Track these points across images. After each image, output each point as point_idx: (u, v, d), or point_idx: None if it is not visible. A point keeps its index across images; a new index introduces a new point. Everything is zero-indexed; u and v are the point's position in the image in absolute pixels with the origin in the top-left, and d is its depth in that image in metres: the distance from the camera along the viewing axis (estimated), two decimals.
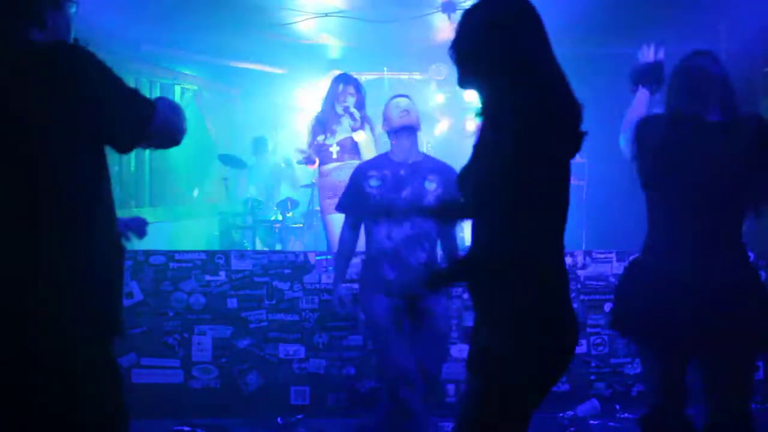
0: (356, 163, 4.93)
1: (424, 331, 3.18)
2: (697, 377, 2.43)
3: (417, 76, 7.81)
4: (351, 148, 4.89)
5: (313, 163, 5.08)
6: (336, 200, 4.91)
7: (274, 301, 3.84)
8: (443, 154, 3.99)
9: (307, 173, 6.74)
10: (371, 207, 3.22)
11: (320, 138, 4.92)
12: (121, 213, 6.04)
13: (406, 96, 3.43)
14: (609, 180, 5.06)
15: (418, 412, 3.04)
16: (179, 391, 3.79)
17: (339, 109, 4.82)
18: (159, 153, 7.21)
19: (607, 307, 3.97)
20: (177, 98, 7.61)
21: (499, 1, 1.85)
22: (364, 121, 4.81)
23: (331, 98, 4.89)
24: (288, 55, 7.09)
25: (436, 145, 7.19)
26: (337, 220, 4.99)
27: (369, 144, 4.85)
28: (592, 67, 5.79)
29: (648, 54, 2.73)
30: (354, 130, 4.78)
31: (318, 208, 5.55)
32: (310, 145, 4.98)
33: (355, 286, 3.82)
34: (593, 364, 3.99)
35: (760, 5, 4.84)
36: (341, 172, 4.94)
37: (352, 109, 4.78)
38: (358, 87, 4.91)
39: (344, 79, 4.93)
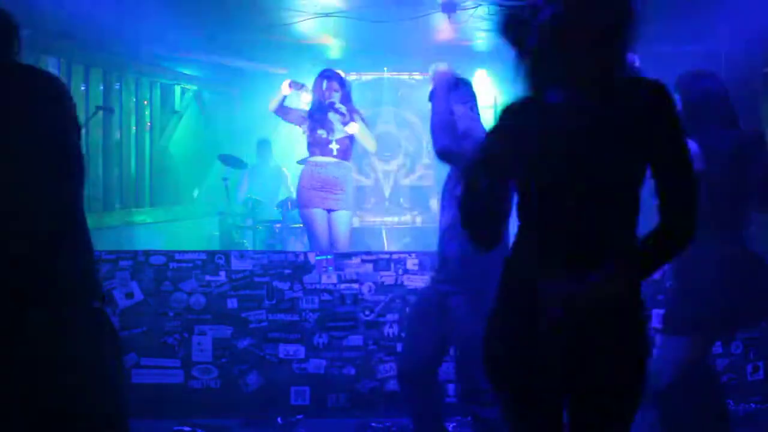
0: (348, 164, 5.01)
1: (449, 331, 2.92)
2: None
3: (417, 76, 7.81)
4: (346, 149, 4.98)
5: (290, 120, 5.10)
6: (323, 193, 4.94)
7: (274, 301, 3.84)
8: None
9: None
10: None
11: (321, 132, 4.94)
12: (122, 213, 5.98)
13: None
14: None
15: (415, 411, 3.03)
16: (179, 391, 3.79)
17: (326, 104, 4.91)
18: (159, 153, 7.22)
19: None
20: (177, 98, 7.62)
21: None
22: (351, 113, 4.89)
23: (318, 94, 4.95)
24: (288, 55, 7.08)
25: None
26: (319, 214, 4.98)
27: (364, 132, 4.98)
28: None
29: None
30: (344, 124, 4.87)
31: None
32: (309, 136, 5.01)
33: (355, 287, 3.84)
34: None
35: (760, 6, 4.84)
36: (338, 169, 4.96)
37: (338, 105, 4.84)
38: (342, 82, 5.00)
39: (327, 76, 4.98)
